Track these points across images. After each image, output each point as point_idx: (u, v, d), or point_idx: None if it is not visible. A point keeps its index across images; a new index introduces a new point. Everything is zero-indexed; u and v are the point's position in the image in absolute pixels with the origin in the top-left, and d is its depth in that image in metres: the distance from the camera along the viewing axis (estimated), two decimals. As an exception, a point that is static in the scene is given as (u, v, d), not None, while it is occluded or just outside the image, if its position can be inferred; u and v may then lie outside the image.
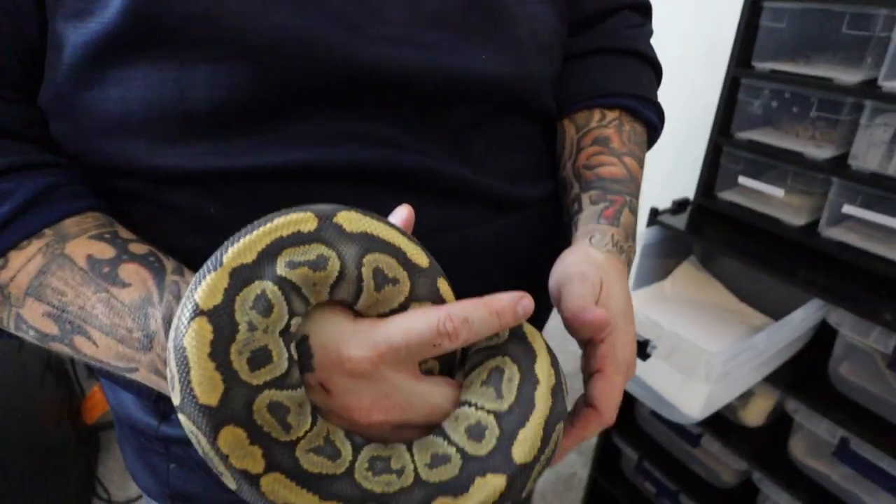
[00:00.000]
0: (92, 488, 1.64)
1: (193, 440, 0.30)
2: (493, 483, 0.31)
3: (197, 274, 0.30)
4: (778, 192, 1.08)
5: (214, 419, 0.28)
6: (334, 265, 0.31)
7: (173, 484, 0.53)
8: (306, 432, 0.30)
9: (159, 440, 0.52)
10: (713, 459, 1.27)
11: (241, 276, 0.29)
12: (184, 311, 0.29)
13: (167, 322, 0.34)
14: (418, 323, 0.31)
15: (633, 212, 0.51)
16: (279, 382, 0.30)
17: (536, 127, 0.53)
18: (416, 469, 0.31)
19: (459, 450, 0.32)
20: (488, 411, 0.32)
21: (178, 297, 0.35)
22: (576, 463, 1.80)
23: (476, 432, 0.32)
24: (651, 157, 0.75)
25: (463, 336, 0.31)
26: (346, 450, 0.31)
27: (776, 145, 1.05)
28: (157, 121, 0.38)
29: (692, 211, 1.20)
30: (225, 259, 0.30)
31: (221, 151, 0.39)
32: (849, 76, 0.94)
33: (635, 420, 1.44)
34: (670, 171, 1.58)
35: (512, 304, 0.32)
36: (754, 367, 0.98)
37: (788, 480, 1.08)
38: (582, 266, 0.42)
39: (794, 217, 1.07)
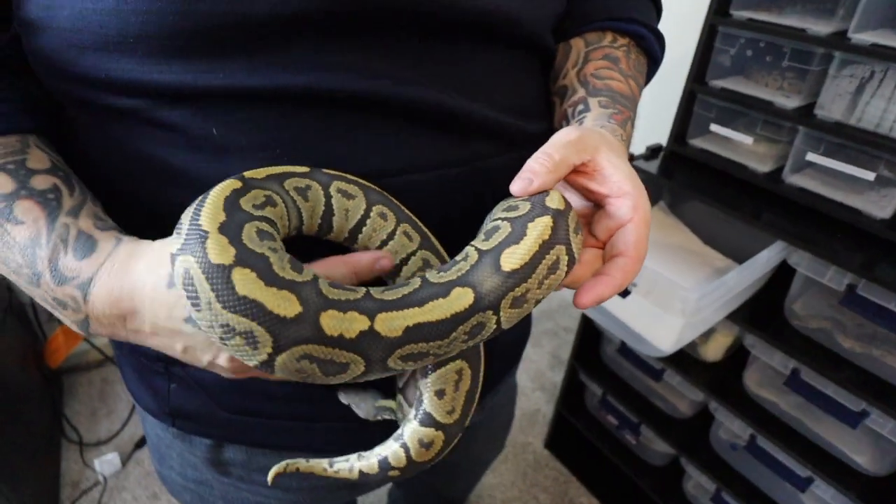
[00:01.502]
0: (61, 431, 1.62)
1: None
2: (543, 222, 0.35)
3: (181, 256, 0.31)
4: (747, 140, 1.13)
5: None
6: (278, 199, 0.37)
7: (173, 403, 0.55)
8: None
9: (160, 361, 0.53)
10: (673, 392, 1.36)
11: (231, 228, 0.32)
12: (210, 280, 0.30)
13: (52, 263, 0.36)
14: None
15: (633, 127, 0.53)
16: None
17: (536, 63, 0.54)
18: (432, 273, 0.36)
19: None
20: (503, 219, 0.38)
21: (64, 241, 0.37)
22: (540, 399, 1.90)
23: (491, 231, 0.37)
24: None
25: None
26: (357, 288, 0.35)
27: (748, 93, 1.08)
28: (155, 35, 0.36)
29: (664, 157, 1.24)
30: (205, 226, 0.31)
31: (221, 70, 0.38)
32: (820, 27, 0.97)
33: (600, 358, 1.52)
34: (645, 116, 1.61)
35: (370, 264, 0.40)
36: (721, 304, 1.05)
37: (742, 408, 1.18)
38: (573, 130, 0.42)
39: (760, 164, 1.12)
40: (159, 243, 0.38)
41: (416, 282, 0.34)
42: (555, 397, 1.65)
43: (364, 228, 0.40)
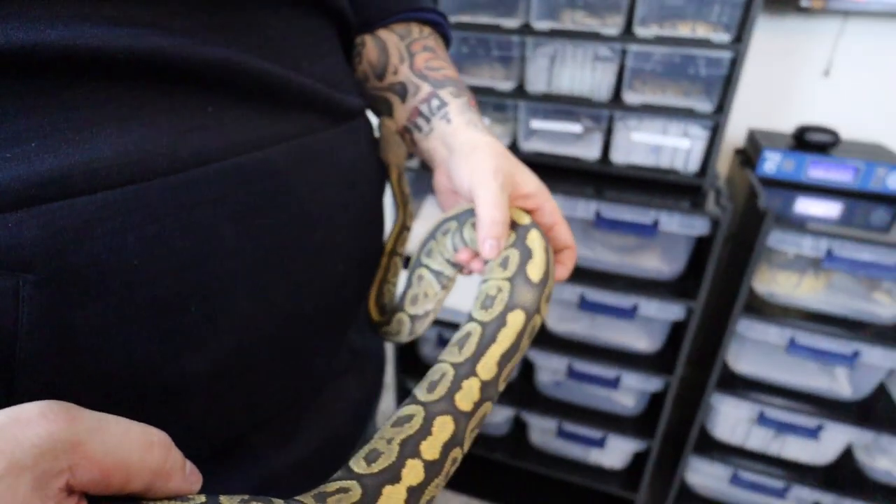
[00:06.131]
0: None
1: None
2: (534, 235, 0.45)
3: None
4: (485, 121, 1.31)
5: None
6: None
7: None
8: None
9: None
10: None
11: None
12: None
13: None
14: None
15: None
16: None
17: (335, 33, 0.51)
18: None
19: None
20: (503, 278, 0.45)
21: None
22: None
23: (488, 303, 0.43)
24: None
25: None
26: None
27: (474, 84, 1.27)
28: None
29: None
30: None
31: None
32: (510, 21, 1.21)
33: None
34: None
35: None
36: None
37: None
38: (489, 174, 0.46)
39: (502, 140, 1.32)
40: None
41: (476, 329, 0.40)
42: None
43: None
